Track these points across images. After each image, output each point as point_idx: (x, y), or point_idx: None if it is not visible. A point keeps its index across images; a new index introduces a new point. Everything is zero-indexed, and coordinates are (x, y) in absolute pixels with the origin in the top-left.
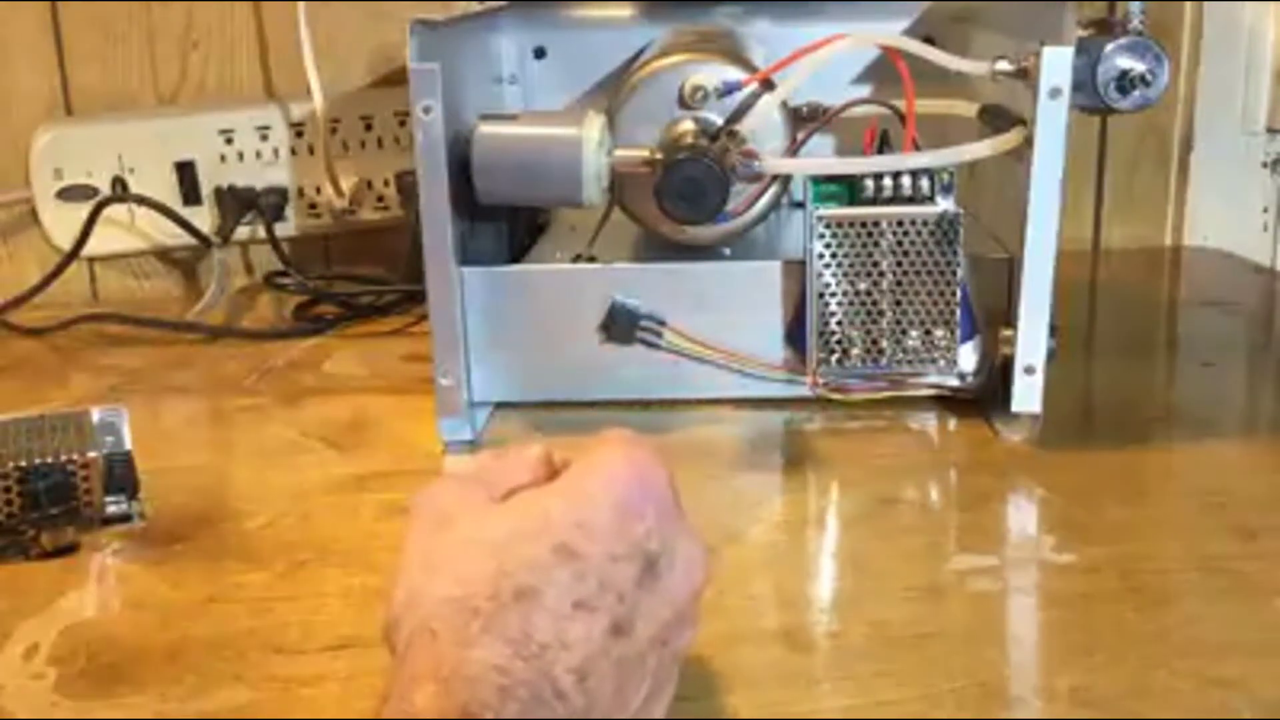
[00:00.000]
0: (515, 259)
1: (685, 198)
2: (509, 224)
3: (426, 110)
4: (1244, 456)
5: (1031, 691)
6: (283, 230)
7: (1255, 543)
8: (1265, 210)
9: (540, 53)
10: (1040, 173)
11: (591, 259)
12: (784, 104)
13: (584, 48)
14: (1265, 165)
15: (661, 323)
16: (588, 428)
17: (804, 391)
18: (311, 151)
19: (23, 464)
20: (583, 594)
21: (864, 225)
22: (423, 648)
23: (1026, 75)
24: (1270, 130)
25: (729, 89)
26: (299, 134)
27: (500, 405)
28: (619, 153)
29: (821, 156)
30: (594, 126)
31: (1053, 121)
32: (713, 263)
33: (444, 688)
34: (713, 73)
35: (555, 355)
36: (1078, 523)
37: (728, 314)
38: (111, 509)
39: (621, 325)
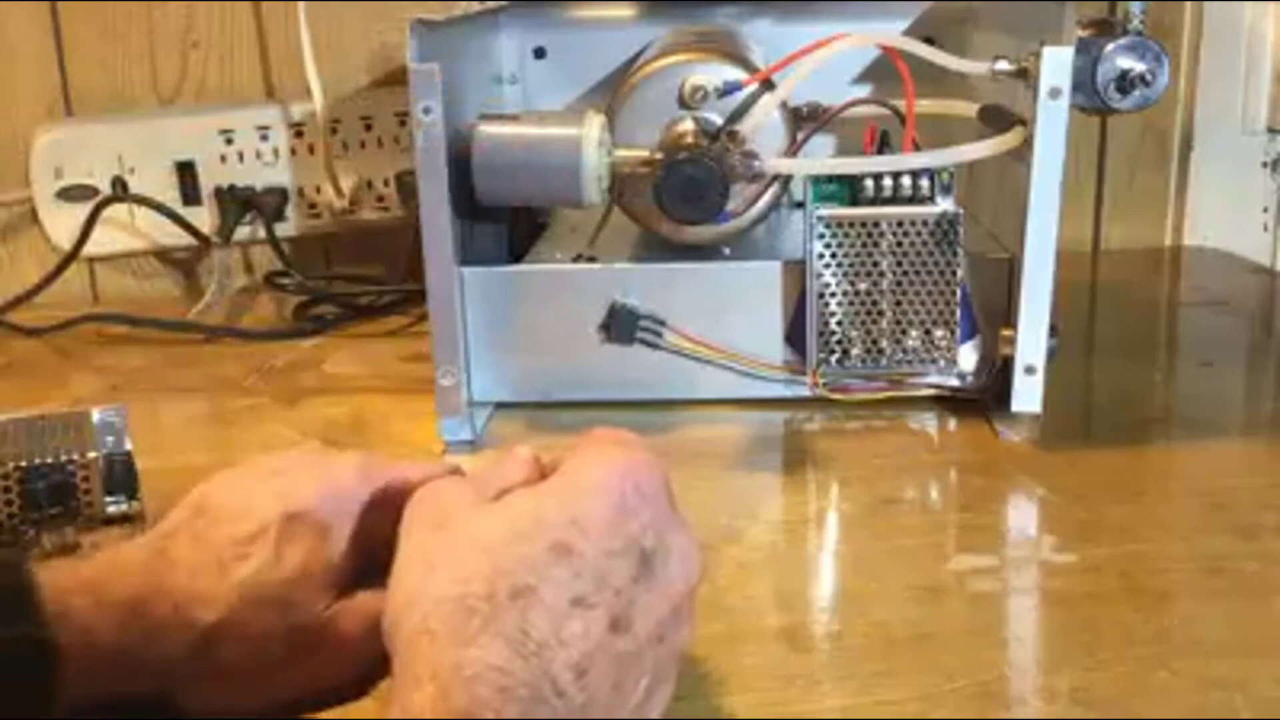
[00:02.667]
0: (515, 259)
1: (685, 198)
2: (509, 224)
3: (426, 111)
4: (1244, 456)
5: (1031, 691)
6: (283, 230)
7: (1255, 543)
8: (1265, 210)
9: (540, 53)
10: (1040, 173)
11: (591, 259)
12: (784, 104)
13: (584, 48)
14: (1265, 165)
15: (661, 323)
16: (587, 428)
17: (804, 391)
18: (311, 151)
19: (23, 464)
20: (580, 591)
21: (864, 225)
22: (421, 648)
23: (1026, 75)
24: (1270, 130)
25: (729, 89)
26: (299, 134)
27: (500, 405)
28: (619, 153)
29: (821, 157)
30: (594, 126)
31: (1053, 121)
32: (713, 263)
33: (443, 689)
34: (713, 73)
35: (555, 355)
36: (1078, 523)
37: (728, 314)
38: (111, 509)
39: (621, 325)
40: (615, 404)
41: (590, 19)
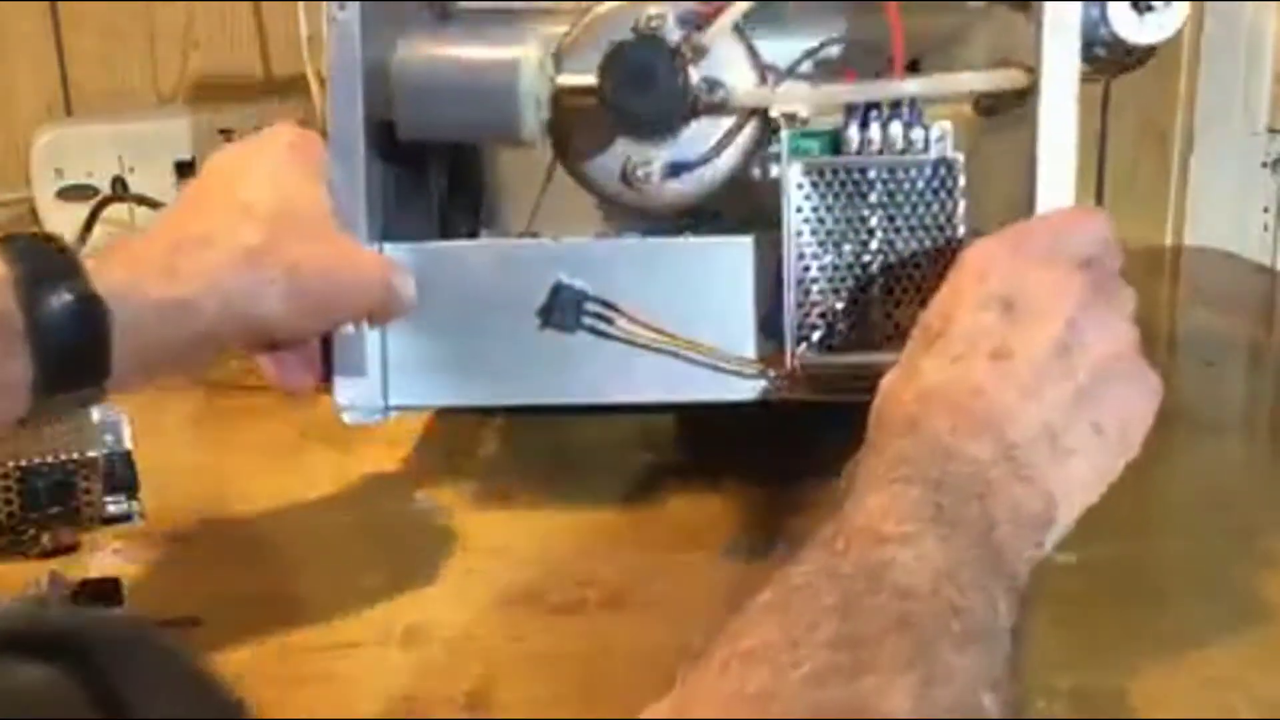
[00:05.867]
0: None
1: (634, 83)
2: (441, 196)
3: (341, 8)
4: (1244, 456)
5: (1031, 691)
6: None
7: (1255, 543)
8: (1266, 210)
9: None
10: (1050, 119)
11: (534, 235)
12: (751, 47)
13: None
14: (1265, 165)
15: (612, 306)
16: (551, 432)
17: (781, 390)
18: None
19: (22, 463)
20: (956, 352)
21: (849, 174)
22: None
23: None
24: (1270, 130)
25: (688, 18)
26: None
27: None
28: (563, 78)
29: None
30: (534, 47)
31: (1062, 57)
32: (676, 238)
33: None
34: (670, 8)
35: (485, 350)
36: (1078, 523)
37: (692, 297)
38: (111, 509)
39: (564, 309)
40: (560, 409)
41: None
